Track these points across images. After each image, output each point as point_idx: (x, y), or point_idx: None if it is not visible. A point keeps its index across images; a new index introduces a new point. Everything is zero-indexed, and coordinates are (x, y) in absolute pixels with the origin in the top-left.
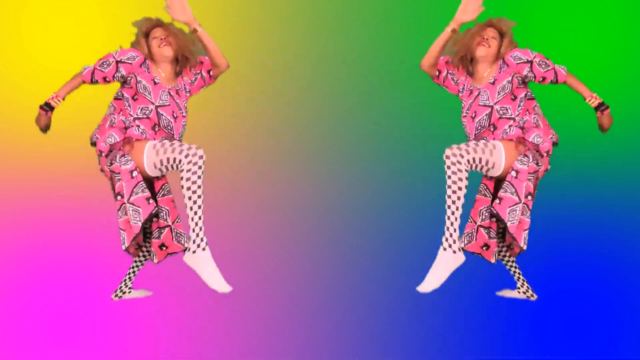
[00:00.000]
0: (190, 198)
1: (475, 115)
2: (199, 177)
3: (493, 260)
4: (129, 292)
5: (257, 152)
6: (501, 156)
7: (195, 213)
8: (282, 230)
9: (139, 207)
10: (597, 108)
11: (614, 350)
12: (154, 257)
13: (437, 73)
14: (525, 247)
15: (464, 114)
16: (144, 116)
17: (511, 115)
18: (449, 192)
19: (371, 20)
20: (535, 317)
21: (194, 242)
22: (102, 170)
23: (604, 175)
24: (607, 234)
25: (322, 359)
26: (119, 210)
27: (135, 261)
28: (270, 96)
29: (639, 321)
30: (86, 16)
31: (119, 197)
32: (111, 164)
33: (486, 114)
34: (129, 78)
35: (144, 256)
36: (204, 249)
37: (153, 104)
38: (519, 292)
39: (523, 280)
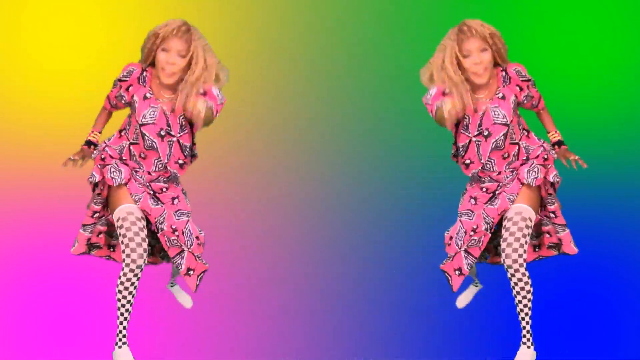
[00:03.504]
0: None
1: (489, 135)
2: (130, 283)
3: (455, 290)
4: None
5: (257, 152)
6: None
7: (119, 310)
8: (282, 230)
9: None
10: (555, 144)
11: (614, 350)
12: (192, 285)
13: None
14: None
15: (471, 133)
16: (134, 141)
17: (515, 140)
18: (522, 298)
19: (372, 19)
20: (535, 318)
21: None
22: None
23: (604, 175)
24: (607, 234)
25: (322, 359)
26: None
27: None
28: (270, 96)
29: (638, 321)
30: (86, 16)
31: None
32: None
33: (503, 134)
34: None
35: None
36: (120, 347)
37: (137, 122)
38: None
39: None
